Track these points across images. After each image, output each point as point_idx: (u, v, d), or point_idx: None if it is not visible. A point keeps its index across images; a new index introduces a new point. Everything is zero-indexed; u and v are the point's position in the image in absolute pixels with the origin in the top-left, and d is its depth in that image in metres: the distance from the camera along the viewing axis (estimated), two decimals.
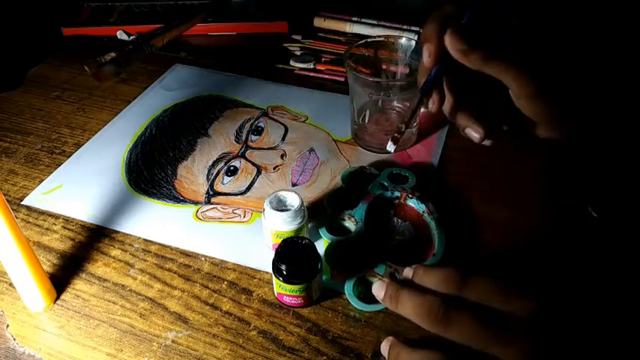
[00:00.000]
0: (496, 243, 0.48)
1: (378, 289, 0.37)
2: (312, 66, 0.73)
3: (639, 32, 0.41)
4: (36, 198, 0.54)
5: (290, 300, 0.42)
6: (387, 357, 0.36)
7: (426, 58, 0.41)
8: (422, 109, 0.61)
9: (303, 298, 0.42)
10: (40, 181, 0.55)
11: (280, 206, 0.45)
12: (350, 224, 0.48)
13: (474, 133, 0.42)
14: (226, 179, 0.55)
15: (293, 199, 0.45)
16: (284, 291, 0.42)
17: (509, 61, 0.38)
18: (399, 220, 0.49)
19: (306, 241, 0.42)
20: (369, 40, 0.58)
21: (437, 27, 0.40)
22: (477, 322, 0.31)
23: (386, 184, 0.51)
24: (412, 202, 0.50)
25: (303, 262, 0.41)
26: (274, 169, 0.56)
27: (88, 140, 0.61)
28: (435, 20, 0.40)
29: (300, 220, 0.45)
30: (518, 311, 0.32)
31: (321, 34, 0.80)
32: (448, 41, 0.38)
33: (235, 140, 0.60)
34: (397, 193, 0.50)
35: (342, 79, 0.70)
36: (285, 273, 0.41)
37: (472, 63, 0.38)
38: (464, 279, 0.34)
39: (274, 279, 0.42)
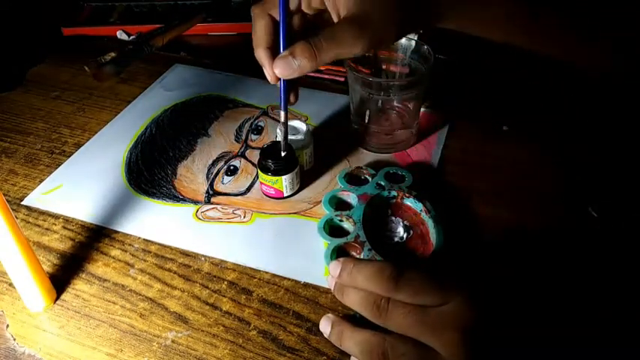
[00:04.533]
0: (495, 242, 0.48)
1: (330, 281, 0.39)
2: None
3: None
4: (36, 198, 0.54)
5: (267, 190, 0.52)
6: (328, 335, 0.38)
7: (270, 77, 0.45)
8: (422, 110, 0.61)
9: (276, 189, 0.51)
10: (40, 181, 0.55)
11: (291, 132, 0.53)
12: (348, 225, 0.48)
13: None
14: (226, 179, 0.55)
15: (301, 126, 0.54)
16: (265, 182, 0.51)
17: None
18: (397, 220, 0.49)
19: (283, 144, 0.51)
20: None
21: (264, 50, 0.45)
22: (412, 313, 0.34)
23: (383, 183, 0.51)
24: (409, 202, 0.50)
25: (279, 159, 0.50)
26: None
27: (88, 140, 0.61)
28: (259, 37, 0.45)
29: (306, 143, 0.53)
30: (448, 304, 0.34)
31: None
32: (279, 72, 0.42)
33: (235, 140, 0.60)
34: (394, 193, 0.51)
35: (342, 79, 0.70)
36: (266, 166, 0.50)
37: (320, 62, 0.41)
38: (397, 274, 0.35)
39: (260, 174, 0.52)
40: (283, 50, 0.43)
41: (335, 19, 0.43)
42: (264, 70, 0.45)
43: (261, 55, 0.45)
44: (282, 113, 0.48)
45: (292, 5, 0.44)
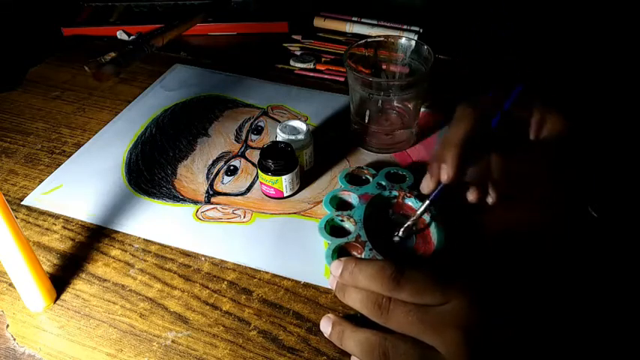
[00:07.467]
0: (495, 242, 0.48)
1: (332, 281, 0.39)
2: (312, 66, 0.73)
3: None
4: (36, 198, 0.54)
5: (267, 190, 0.52)
6: (328, 334, 0.38)
7: (430, 180, 0.47)
8: (422, 110, 0.61)
9: (276, 189, 0.51)
10: (40, 181, 0.55)
11: (291, 132, 0.53)
12: (349, 225, 0.48)
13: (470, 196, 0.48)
14: (226, 179, 0.55)
15: (301, 126, 0.54)
16: (265, 182, 0.51)
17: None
18: (398, 219, 0.49)
19: (282, 145, 0.51)
20: (368, 40, 0.58)
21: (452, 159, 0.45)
22: (413, 312, 0.34)
23: (384, 183, 0.51)
24: (410, 201, 0.50)
25: (279, 159, 0.50)
26: None
27: (88, 140, 0.61)
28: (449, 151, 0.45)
29: (306, 143, 0.53)
30: (449, 304, 0.34)
31: (321, 34, 0.80)
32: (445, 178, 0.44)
33: (235, 140, 0.60)
34: (395, 193, 0.50)
35: (342, 79, 0.70)
36: (266, 166, 0.50)
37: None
38: (398, 273, 0.35)
39: (260, 174, 0.51)
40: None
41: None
42: (442, 166, 0.44)
43: (450, 152, 0.44)
44: (422, 207, 0.46)
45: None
